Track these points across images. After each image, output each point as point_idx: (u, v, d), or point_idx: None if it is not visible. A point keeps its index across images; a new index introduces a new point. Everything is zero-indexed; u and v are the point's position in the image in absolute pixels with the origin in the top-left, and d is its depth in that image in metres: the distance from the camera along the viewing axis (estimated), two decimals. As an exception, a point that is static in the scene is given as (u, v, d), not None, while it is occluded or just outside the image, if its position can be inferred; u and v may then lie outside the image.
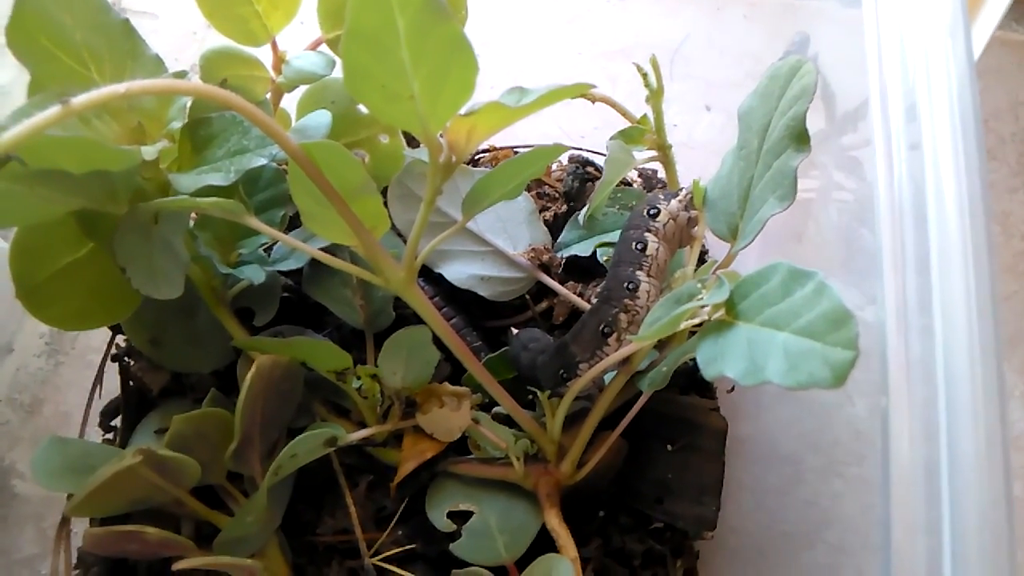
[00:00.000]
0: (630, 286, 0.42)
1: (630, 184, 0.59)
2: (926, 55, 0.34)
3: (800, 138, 0.38)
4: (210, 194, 0.41)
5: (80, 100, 0.31)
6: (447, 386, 0.46)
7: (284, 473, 0.42)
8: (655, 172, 0.60)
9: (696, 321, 0.36)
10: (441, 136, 0.38)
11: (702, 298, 0.36)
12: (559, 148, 0.43)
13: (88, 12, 0.43)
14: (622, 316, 0.42)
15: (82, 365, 0.59)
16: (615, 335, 0.42)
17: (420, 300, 0.42)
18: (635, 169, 0.60)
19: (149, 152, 0.41)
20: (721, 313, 0.35)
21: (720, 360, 0.33)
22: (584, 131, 0.67)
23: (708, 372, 0.33)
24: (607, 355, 0.41)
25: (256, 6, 0.46)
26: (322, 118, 0.50)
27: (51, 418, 0.58)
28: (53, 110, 0.30)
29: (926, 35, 0.34)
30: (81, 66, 0.43)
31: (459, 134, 0.38)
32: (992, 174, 0.68)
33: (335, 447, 0.43)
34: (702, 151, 0.66)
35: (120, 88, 0.32)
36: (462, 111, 0.36)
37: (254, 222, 0.42)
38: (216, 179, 0.42)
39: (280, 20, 0.47)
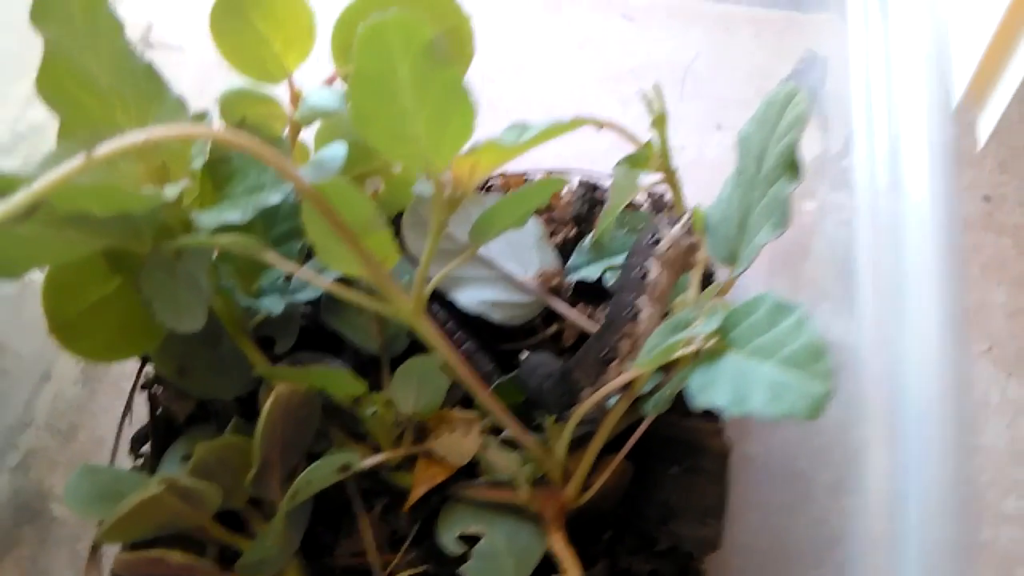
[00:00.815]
0: (631, 313, 0.43)
1: (639, 207, 0.60)
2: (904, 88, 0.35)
3: (792, 167, 0.39)
4: (229, 230, 0.43)
5: (103, 150, 0.33)
6: (457, 411, 0.47)
7: (300, 499, 0.44)
8: (663, 194, 0.61)
9: (692, 348, 0.37)
10: (446, 172, 0.40)
11: (697, 326, 0.37)
12: (561, 181, 0.44)
13: (113, 58, 0.46)
14: (624, 343, 0.43)
15: (116, 392, 0.62)
16: (617, 361, 0.43)
17: (429, 329, 0.43)
18: (644, 192, 0.61)
19: (171, 192, 0.43)
20: (714, 341, 0.36)
21: (710, 388, 0.34)
22: (595, 153, 0.69)
23: (698, 400, 0.34)
24: (609, 381, 0.43)
25: (273, 47, 0.48)
26: (338, 150, 0.51)
27: (86, 443, 0.60)
28: (77, 161, 0.33)
29: (907, 65, 0.35)
30: (107, 109, 0.46)
31: (463, 170, 0.40)
32: (1003, 187, 0.67)
33: (349, 473, 0.45)
34: (713, 170, 0.67)
35: (139, 136, 0.34)
36: (463, 150, 0.38)
37: (271, 257, 0.44)
38: (234, 216, 0.44)
39: (296, 59, 0.49)
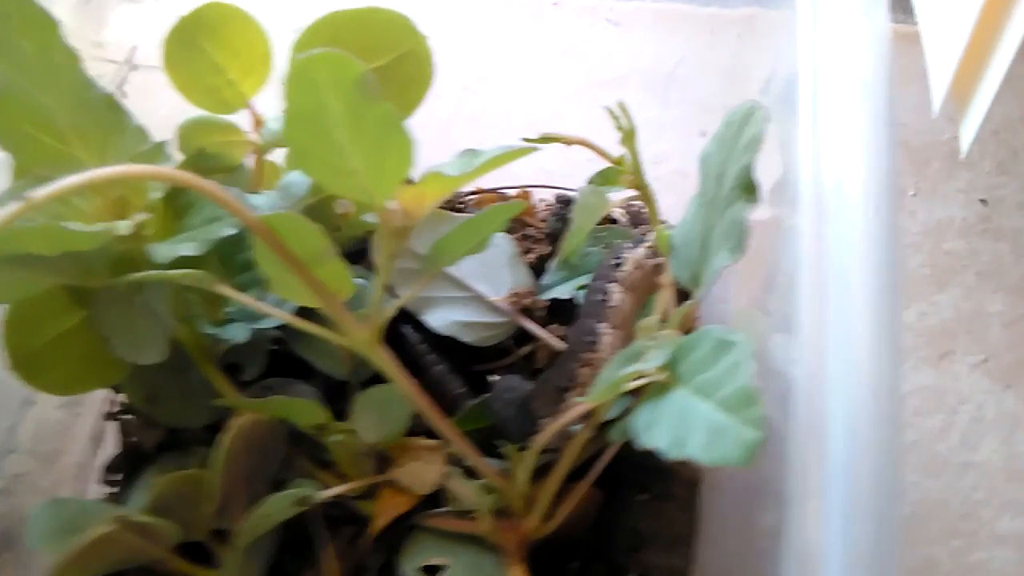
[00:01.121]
0: (591, 339, 0.42)
1: (615, 221, 0.59)
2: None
3: (749, 189, 0.38)
4: (184, 263, 0.43)
5: (41, 194, 0.33)
6: (421, 440, 0.47)
7: (257, 533, 0.43)
8: (641, 209, 0.60)
9: (643, 381, 0.36)
10: (393, 202, 0.39)
11: (647, 358, 0.36)
12: (520, 205, 0.43)
13: (71, 91, 0.45)
14: (583, 371, 0.42)
15: (99, 416, 0.62)
16: (576, 390, 0.42)
17: (385, 360, 0.42)
18: (620, 207, 0.59)
19: (123, 228, 0.43)
20: (663, 375, 0.35)
21: (653, 428, 0.32)
22: (577, 165, 0.67)
23: (641, 440, 0.33)
24: (569, 409, 0.41)
25: (228, 75, 0.47)
26: (302, 176, 0.51)
27: (69, 468, 0.60)
28: (12, 207, 0.32)
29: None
30: (65, 145, 0.45)
31: (409, 201, 0.39)
32: (1001, 189, 0.65)
33: (307, 506, 0.45)
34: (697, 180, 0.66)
35: (77, 180, 0.34)
36: (407, 181, 0.37)
37: (226, 290, 0.43)
38: (189, 249, 0.43)
39: (253, 85, 0.48)
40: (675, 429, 0.31)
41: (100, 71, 0.71)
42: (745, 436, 0.28)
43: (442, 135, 0.74)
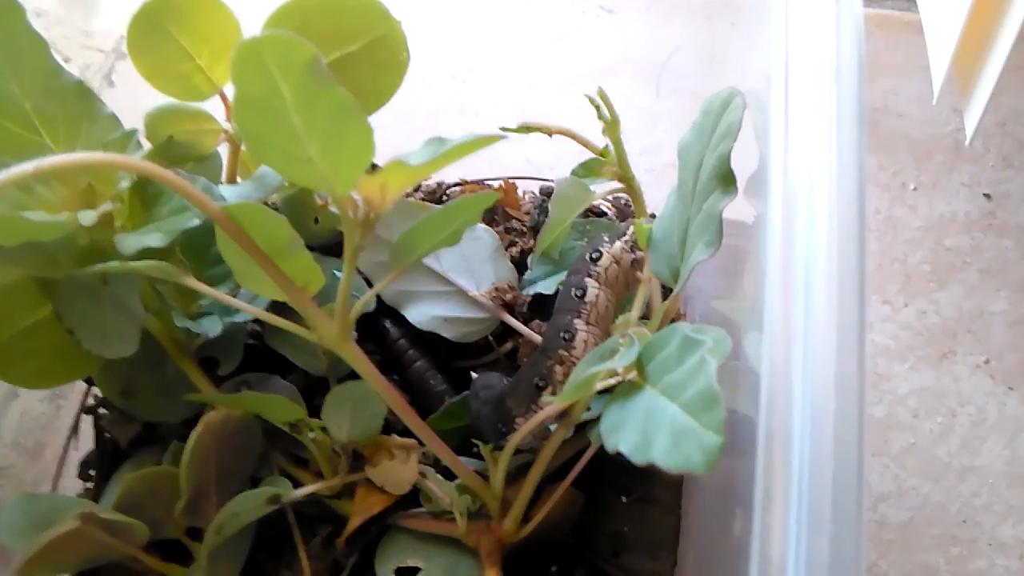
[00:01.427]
0: (566, 336, 0.41)
1: (603, 214, 0.57)
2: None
3: (725, 180, 0.36)
4: (151, 254, 0.42)
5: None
6: (395, 438, 0.45)
7: (228, 532, 0.42)
8: (628, 201, 0.58)
9: (615, 380, 0.34)
10: (354, 193, 0.37)
11: (618, 356, 0.34)
12: (491, 196, 0.42)
13: (38, 78, 0.44)
14: (557, 368, 0.40)
15: (81, 410, 0.61)
16: (550, 388, 0.40)
17: (356, 356, 0.41)
18: (607, 199, 0.58)
19: (87, 218, 0.42)
20: (633, 374, 0.33)
21: (620, 430, 0.31)
22: (568, 157, 0.66)
23: (608, 443, 0.31)
24: (543, 408, 0.40)
25: (198, 61, 0.46)
26: (278, 165, 0.50)
27: (52, 462, 0.60)
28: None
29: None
30: (32, 133, 0.45)
31: (372, 191, 0.37)
32: (1007, 184, 0.62)
33: (279, 505, 0.43)
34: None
35: (30, 167, 0.33)
36: (377, 164, 0.36)
37: (193, 282, 0.42)
38: (155, 240, 0.42)
39: (225, 72, 0.47)
40: (641, 432, 0.30)
41: (88, 60, 0.71)
42: (706, 441, 0.26)
43: (431, 125, 0.73)
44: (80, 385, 0.63)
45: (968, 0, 0.44)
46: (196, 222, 0.42)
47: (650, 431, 0.29)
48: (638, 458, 0.29)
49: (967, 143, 0.47)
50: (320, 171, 0.35)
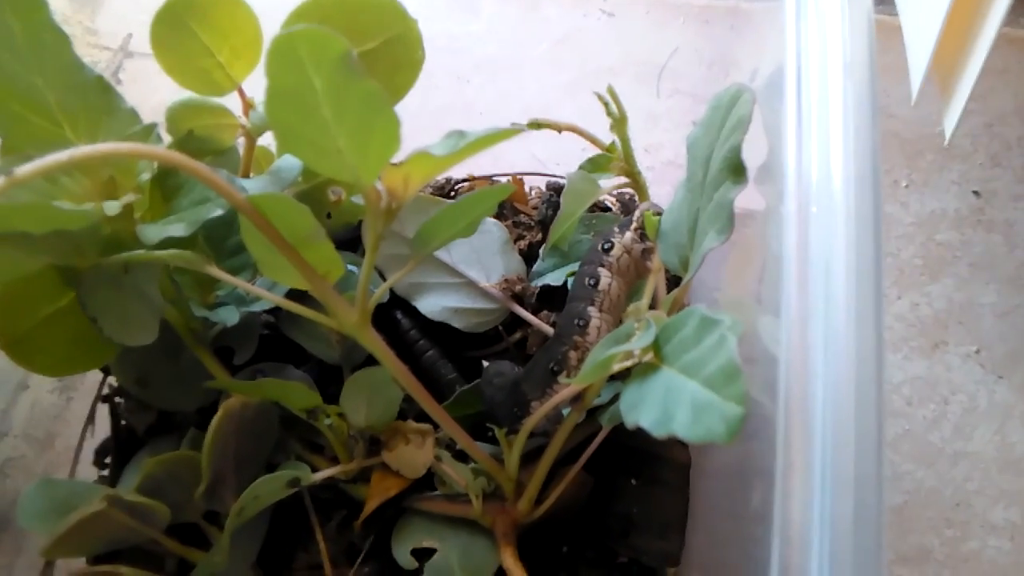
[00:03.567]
0: (580, 323, 0.42)
1: (608, 209, 0.59)
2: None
3: (736, 170, 0.38)
4: (173, 244, 0.43)
5: (23, 170, 0.33)
6: (411, 423, 0.47)
7: (248, 514, 0.43)
8: (633, 196, 0.60)
9: (631, 362, 0.36)
10: (379, 183, 0.39)
11: (634, 339, 0.36)
12: (508, 188, 0.43)
13: (61, 72, 0.45)
14: (572, 354, 0.42)
15: (93, 401, 0.62)
16: (565, 373, 0.42)
17: (375, 342, 0.42)
18: (612, 194, 0.59)
19: (112, 208, 0.43)
20: (650, 356, 0.35)
21: (640, 406, 0.32)
22: (572, 154, 0.67)
23: (628, 419, 0.32)
24: (558, 392, 0.41)
25: (218, 57, 0.47)
26: (295, 159, 0.51)
27: (63, 452, 0.60)
28: (-1, 182, 0.32)
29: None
30: (54, 125, 0.45)
31: (395, 182, 0.39)
32: (995, 182, 0.65)
33: (298, 488, 0.45)
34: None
35: (64, 156, 0.34)
36: (395, 160, 0.37)
37: (215, 271, 0.43)
38: (178, 230, 0.43)
39: (244, 68, 0.48)
40: (661, 407, 0.31)
41: (94, 58, 0.71)
42: (728, 412, 0.28)
43: (437, 123, 0.74)
44: (89, 377, 0.64)
45: (945, 7, 0.45)
46: (219, 212, 0.43)
47: (670, 406, 0.31)
48: (659, 432, 0.30)
49: (947, 144, 0.49)
50: (348, 161, 0.36)
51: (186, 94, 0.54)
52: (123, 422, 0.54)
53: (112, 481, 0.53)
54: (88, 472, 0.57)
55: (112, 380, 0.57)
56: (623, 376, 0.45)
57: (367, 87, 0.34)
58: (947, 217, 0.65)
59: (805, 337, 0.30)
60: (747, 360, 0.35)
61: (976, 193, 0.65)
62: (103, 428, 0.59)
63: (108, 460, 0.55)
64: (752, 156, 0.40)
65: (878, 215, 0.29)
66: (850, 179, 0.31)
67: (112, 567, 0.43)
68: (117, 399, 0.55)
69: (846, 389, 0.28)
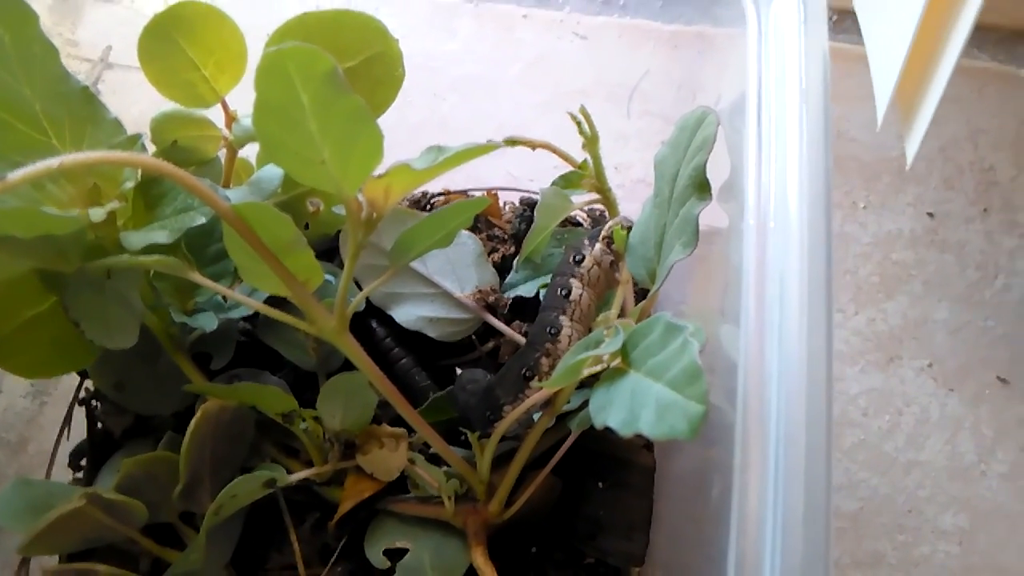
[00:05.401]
0: (552, 331, 0.44)
1: (579, 224, 0.61)
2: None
3: (701, 187, 0.40)
4: (156, 251, 0.44)
5: (14, 176, 0.34)
6: (385, 427, 0.48)
7: (225, 514, 0.44)
8: (603, 212, 0.62)
9: (599, 367, 0.38)
10: (360, 195, 0.40)
11: (603, 345, 0.37)
12: (483, 201, 0.45)
13: (47, 82, 0.46)
14: (544, 360, 0.43)
15: (65, 405, 0.62)
16: (536, 379, 0.43)
17: (352, 348, 0.44)
18: (583, 210, 0.61)
19: (97, 215, 0.44)
20: (618, 361, 0.36)
21: (608, 408, 0.34)
22: (546, 171, 0.70)
23: (597, 420, 0.34)
24: (530, 397, 0.43)
25: (203, 71, 0.48)
26: (274, 172, 0.53)
27: (35, 456, 0.61)
28: (-15, 187, 0.33)
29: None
30: (40, 134, 0.46)
31: (376, 193, 0.40)
32: (948, 204, 0.68)
33: (274, 488, 0.46)
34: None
35: (53, 163, 0.35)
36: (375, 173, 0.39)
37: (197, 277, 0.44)
38: (161, 237, 0.44)
39: (228, 82, 0.49)
40: (628, 408, 0.33)
41: (75, 69, 0.72)
42: (690, 410, 0.29)
43: (413, 139, 0.76)
44: (63, 382, 0.64)
45: (909, 39, 0.48)
46: (202, 220, 0.44)
47: (636, 408, 0.33)
48: (626, 431, 0.32)
49: (908, 168, 0.52)
50: (331, 173, 0.38)
51: (165, 105, 0.56)
52: (99, 425, 0.55)
53: (87, 483, 0.53)
54: (63, 476, 0.57)
55: (89, 384, 0.57)
56: (591, 383, 0.47)
57: (352, 102, 0.35)
58: (903, 237, 0.68)
59: (762, 343, 0.32)
60: (710, 370, 0.37)
61: (930, 215, 0.68)
62: (77, 434, 0.59)
63: (83, 463, 0.55)
64: (716, 174, 0.43)
65: (829, 229, 0.32)
66: (804, 196, 0.33)
67: (88, 565, 0.43)
68: (94, 403, 0.55)
69: (798, 391, 0.30)
